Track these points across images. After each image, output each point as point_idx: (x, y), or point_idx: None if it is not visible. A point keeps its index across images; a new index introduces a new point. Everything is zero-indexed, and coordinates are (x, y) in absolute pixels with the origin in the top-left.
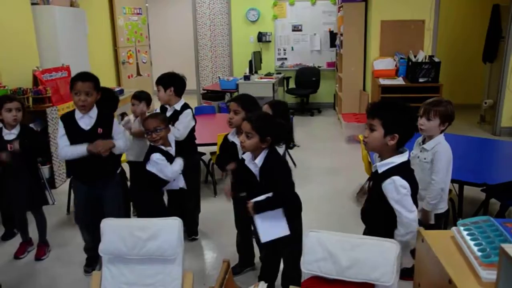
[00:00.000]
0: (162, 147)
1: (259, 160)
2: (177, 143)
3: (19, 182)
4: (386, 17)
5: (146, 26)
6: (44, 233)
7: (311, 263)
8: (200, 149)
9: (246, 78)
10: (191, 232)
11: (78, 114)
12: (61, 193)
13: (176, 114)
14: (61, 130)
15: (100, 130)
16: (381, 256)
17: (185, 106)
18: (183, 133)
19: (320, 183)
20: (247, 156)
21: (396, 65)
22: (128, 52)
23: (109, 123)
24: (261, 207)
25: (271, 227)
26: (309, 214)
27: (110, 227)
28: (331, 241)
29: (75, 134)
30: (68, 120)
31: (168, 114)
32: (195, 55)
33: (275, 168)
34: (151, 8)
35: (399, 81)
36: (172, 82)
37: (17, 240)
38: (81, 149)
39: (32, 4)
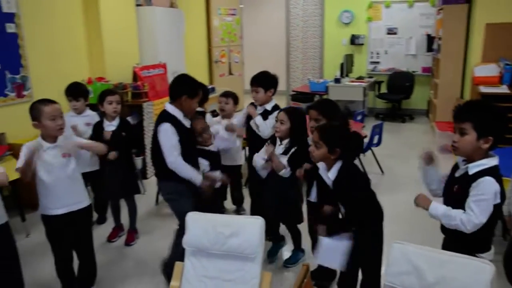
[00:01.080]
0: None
1: (333, 174)
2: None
3: (115, 171)
4: (492, 20)
5: (239, 27)
6: (134, 220)
7: (394, 275)
8: None
9: (337, 81)
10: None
11: (179, 115)
12: (152, 184)
13: (266, 114)
14: (174, 137)
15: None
16: (472, 277)
17: (276, 107)
18: (270, 133)
19: (407, 192)
20: (321, 165)
21: (500, 72)
22: (221, 51)
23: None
24: (332, 230)
25: (331, 254)
26: (393, 224)
27: (195, 221)
28: (417, 255)
29: (185, 135)
30: (176, 123)
31: (259, 112)
32: (286, 57)
33: (349, 185)
34: (245, 9)
35: (503, 89)
36: (274, 83)
37: (109, 225)
38: (197, 178)
39: (137, 5)
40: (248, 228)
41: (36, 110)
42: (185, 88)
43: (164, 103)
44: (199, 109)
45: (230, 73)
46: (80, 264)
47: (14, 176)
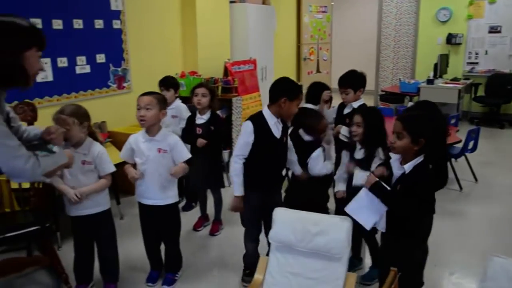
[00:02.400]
0: None
1: (409, 167)
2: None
3: (201, 163)
4: None
5: (330, 24)
6: (219, 211)
7: None
8: None
9: (430, 82)
10: None
11: (271, 120)
12: None
13: (353, 113)
14: (248, 137)
15: (284, 139)
16: None
17: (363, 106)
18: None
19: (503, 203)
20: (394, 156)
21: None
22: (310, 49)
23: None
24: (377, 190)
25: (364, 208)
26: (488, 236)
27: (283, 216)
28: None
29: (267, 142)
30: (260, 126)
31: (346, 111)
32: (377, 55)
33: (419, 182)
34: (336, 5)
35: None
36: (363, 83)
37: (195, 213)
38: (236, 186)
39: (230, 2)
40: (336, 228)
41: None
42: (285, 91)
43: (253, 98)
44: None
45: (318, 71)
46: (166, 250)
47: (117, 160)
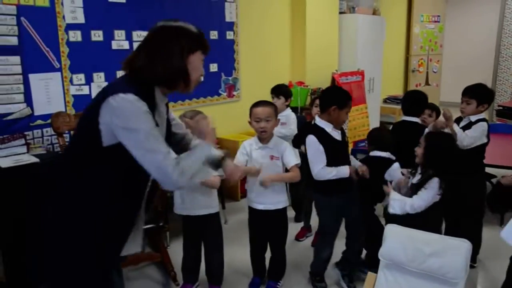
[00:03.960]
0: None
1: None
2: (463, 158)
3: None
4: None
5: (442, 34)
6: None
7: None
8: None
9: None
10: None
11: (327, 127)
12: None
13: (469, 126)
14: (319, 148)
15: (346, 140)
16: None
17: (482, 120)
18: (471, 143)
19: None
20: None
21: None
22: (420, 60)
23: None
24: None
25: None
26: None
27: (394, 233)
28: None
29: (333, 146)
30: (321, 134)
31: (462, 125)
32: (494, 67)
33: None
34: (450, 14)
35: None
36: (490, 98)
37: (298, 223)
38: (341, 170)
39: (340, 13)
40: (453, 250)
41: (250, 110)
42: (334, 99)
43: (359, 110)
44: None
45: (427, 83)
46: (272, 256)
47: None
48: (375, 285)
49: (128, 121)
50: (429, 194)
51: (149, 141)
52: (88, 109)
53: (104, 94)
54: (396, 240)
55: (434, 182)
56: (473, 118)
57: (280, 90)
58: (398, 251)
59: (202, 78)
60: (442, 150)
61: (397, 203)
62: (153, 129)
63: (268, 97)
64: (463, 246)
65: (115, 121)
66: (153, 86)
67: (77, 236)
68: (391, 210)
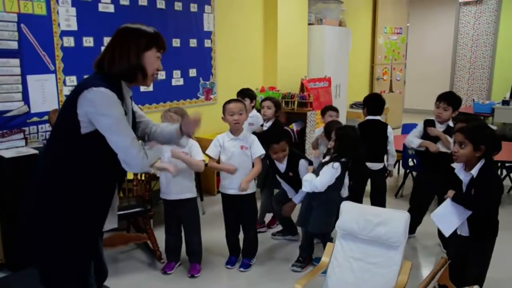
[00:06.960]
0: None
1: (475, 171)
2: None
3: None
4: None
5: (404, 45)
6: None
7: None
8: None
9: (505, 103)
10: None
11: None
12: None
13: (449, 130)
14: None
15: None
16: None
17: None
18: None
19: None
20: (457, 165)
21: None
22: (384, 69)
23: None
24: (459, 199)
25: (449, 217)
26: None
27: (348, 208)
28: None
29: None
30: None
31: (442, 129)
32: (451, 76)
33: (488, 181)
34: (412, 27)
35: None
36: (459, 105)
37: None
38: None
39: (309, 24)
40: (395, 219)
41: (223, 107)
42: None
43: None
44: None
45: (391, 91)
46: (244, 236)
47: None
48: (332, 253)
49: (101, 108)
50: (327, 176)
51: (119, 126)
52: (67, 103)
53: (79, 88)
54: (350, 214)
55: (335, 166)
56: (450, 123)
57: (246, 93)
58: (351, 223)
59: (158, 73)
60: (350, 140)
61: (306, 183)
62: (122, 116)
63: None
64: (402, 216)
65: (91, 110)
66: (119, 80)
67: (59, 215)
68: (303, 189)
